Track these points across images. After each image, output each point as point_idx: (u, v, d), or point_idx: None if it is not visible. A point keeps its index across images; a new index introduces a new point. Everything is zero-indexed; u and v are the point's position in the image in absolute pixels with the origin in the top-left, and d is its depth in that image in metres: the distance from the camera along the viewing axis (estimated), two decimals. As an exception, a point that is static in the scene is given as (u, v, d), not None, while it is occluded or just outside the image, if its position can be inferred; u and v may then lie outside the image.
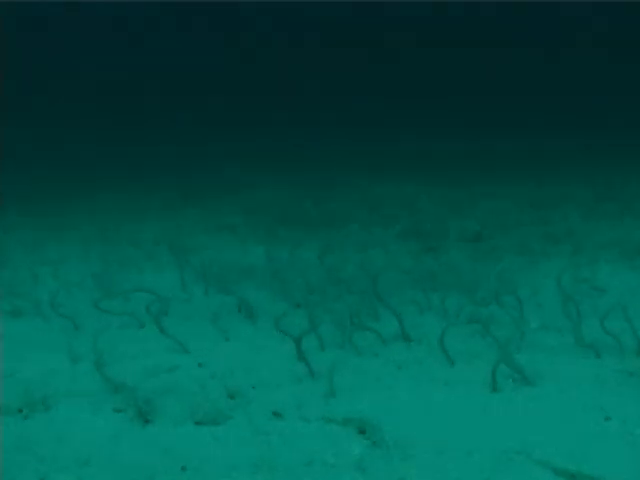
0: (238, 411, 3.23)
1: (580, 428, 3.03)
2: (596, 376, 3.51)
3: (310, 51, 18.67)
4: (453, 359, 3.71)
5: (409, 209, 7.70)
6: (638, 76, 16.00)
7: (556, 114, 14.60)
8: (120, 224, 7.65)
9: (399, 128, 14.02)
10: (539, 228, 6.76)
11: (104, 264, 5.91)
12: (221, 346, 4.06)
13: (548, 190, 8.80)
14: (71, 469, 2.75)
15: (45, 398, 3.33)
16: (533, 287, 5.01)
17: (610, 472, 2.68)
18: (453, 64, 17.79)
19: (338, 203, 8.26)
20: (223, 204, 8.53)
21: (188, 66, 18.34)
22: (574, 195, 8.35)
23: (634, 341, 3.82)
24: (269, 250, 5.96)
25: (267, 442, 2.97)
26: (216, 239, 6.88)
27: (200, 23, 21.05)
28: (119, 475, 2.74)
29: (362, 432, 3.03)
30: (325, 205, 8.12)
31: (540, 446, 2.87)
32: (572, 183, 9.27)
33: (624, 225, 6.80)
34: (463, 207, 7.75)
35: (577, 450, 2.85)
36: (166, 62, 18.70)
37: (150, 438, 2.99)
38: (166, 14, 20.42)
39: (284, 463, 2.84)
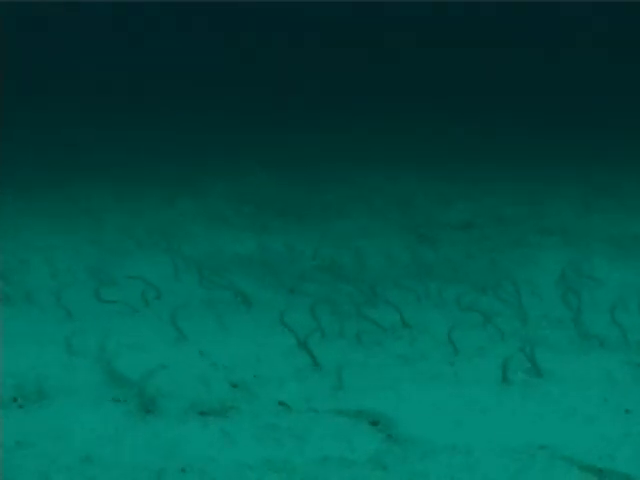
0: (243, 404, 3.20)
1: (599, 422, 3.00)
2: (604, 369, 3.50)
3: (310, 51, 18.62)
4: (458, 351, 3.69)
5: (404, 203, 7.70)
6: (637, 76, 15.98)
7: (553, 113, 14.58)
8: (113, 212, 7.63)
9: (394, 125, 14.02)
10: (535, 222, 6.77)
11: (96, 252, 5.87)
12: (219, 336, 4.02)
13: (544, 186, 8.82)
14: (74, 468, 2.69)
15: (41, 392, 3.27)
16: (530, 280, 5.00)
17: (637, 469, 2.64)
18: (452, 63, 17.77)
19: (332, 196, 8.26)
20: (218, 195, 8.52)
21: (187, 65, 18.30)
22: (570, 191, 8.38)
23: (637, 333, 3.81)
24: (262, 240, 5.96)
25: (277, 438, 2.90)
26: (210, 229, 6.86)
27: (200, 23, 21.01)
28: (124, 474, 2.67)
29: (374, 424, 2.98)
30: (319, 198, 8.12)
31: (562, 441, 2.83)
32: (569, 179, 9.29)
33: (619, 221, 6.82)
34: (459, 201, 7.76)
35: (600, 446, 2.81)
36: (166, 62, 18.66)
37: (154, 433, 2.95)
38: (166, 14, 20.38)
39: (299, 460, 2.75)
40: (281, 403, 3.13)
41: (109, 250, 6.00)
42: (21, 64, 18.06)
